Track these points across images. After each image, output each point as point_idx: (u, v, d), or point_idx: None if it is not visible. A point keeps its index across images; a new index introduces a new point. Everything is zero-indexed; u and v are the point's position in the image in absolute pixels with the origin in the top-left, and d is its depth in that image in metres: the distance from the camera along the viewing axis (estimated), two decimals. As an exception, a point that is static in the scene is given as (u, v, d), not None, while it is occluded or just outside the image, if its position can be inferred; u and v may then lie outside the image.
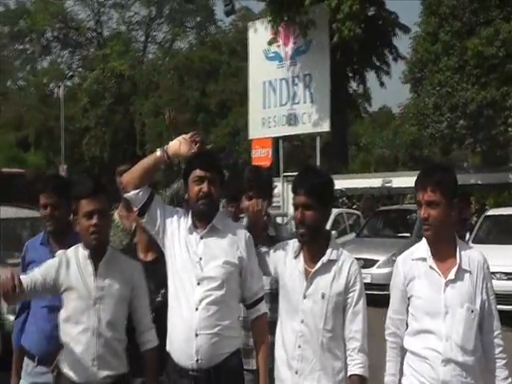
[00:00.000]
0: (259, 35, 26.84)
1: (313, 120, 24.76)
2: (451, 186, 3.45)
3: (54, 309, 4.10)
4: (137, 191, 3.70)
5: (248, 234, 3.79)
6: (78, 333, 3.64)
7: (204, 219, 3.72)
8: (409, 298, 3.52)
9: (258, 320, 3.78)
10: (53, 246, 4.33)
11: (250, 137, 28.08)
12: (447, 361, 3.33)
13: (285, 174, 26.42)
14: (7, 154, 41.19)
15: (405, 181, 21.59)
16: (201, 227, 3.72)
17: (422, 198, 3.39)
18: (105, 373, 3.62)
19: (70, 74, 52.26)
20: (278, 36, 25.70)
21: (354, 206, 23.16)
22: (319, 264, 3.59)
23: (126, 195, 3.76)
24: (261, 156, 26.98)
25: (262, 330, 3.77)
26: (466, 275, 3.40)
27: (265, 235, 4.23)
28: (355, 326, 3.54)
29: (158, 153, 3.71)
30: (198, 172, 3.68)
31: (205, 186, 3.65)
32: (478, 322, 3.41)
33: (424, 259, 3.48)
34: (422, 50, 22.87)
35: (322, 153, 29.62)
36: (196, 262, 3.63)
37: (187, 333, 3.55)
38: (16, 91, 55.07)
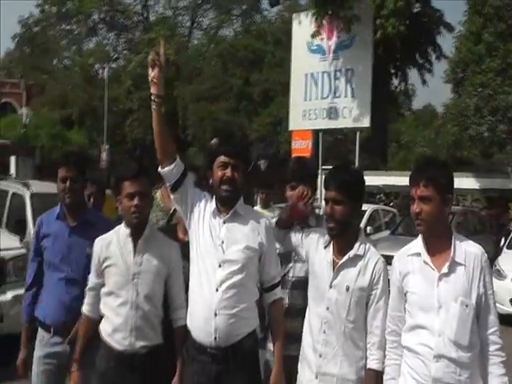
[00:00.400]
0: (303, 27, 26.81)
1: (353, 115, 24.74)
2: (445, 181, 3.42)
3: (72, 281, 4.37)
4: (172, 166, 3.84)
5: (268, 221, 3.97)
6: (117, 305, 3.89)
7: (227, 204, 3.87)
8: (405, 294, 3.53)
9: (274, 304, 3.94)
10: (69, 221, 4.49)
11: (291, 128, 28.18)
12: (439, 357, 3.30)
13: (323, 167, 26.50)
14: (50, 131, 41.75)
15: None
16: (224, 212, 3.88)
17: (415, 192, 3.40)
18: (141, 343, 3.87)
19: (115, 56, 52.70)
20: (322, 29, 25.67)
21: (391, 204, 23.09)
22: (346, 257, 3.74)
23: (161, 171, 3.90)
24: (300, 148, 27.06)
25: (278, 313, 3.95)
26: (461, 268, 3.36)
27: (304, 224, 4.32)
28: (376, 322, 3.68)
29: (152, 106, 3.90)
30: (222, 158, 3.83)
31: (228, 172, 3.79)
32: (475, 317, 3.35)
33: (419, 254, 3.48)
34: (465, 49, 22.70)
35: (363, 148, 29.60)
36: (218, 245, 3.80)
37: (207, 312, 3.72)
38: (62, 70, 55.70)
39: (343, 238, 3.78)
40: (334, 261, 3.79)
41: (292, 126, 27.96)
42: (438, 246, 3.43)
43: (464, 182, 22.63)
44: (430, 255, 3.43)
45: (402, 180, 26.36)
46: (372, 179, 24.68)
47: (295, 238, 4.07)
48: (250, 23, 52.67)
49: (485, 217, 21.22)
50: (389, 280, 3.70)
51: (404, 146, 54.47)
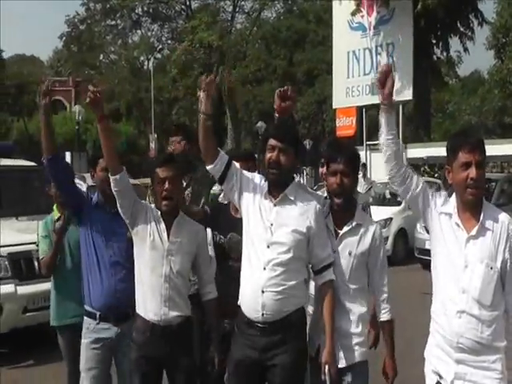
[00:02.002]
0: (343, 6, 27.02)
1: (395, 88, 24.64)
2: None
3: (116, 264, 4.66)
4: (214, 164, 3.96)
5: (319, 205, 4.04)
6: (152, 278, 4.21)
7: (277, 187, 3.95)
8: (430, 233, 3.66)
9: (323, 286, 3.98)
10: (108, 208, 4.69)
11: (334, 106, 28.53)
12: (462, 312, 3.40)
13: (368, 142, 26.71)
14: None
15: (487, 149, 21.38)
16: (275, 195, 3.95)
17: (473, 158, 3.34)
18: (174, 313, 4.20)
19: (160, 46, 53.24)
20: (362, 6, 25.84)
21: (436, 175, 23.12)
22: (349, 227, 3.98)
23: (208, 168, 4.03)
24: (345, 125, 27.40)
25: (328, 295, 3.95)
26: (488, 233, 3.43)
27: None
28: (382, 281, 3.99)
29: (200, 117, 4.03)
30: (270, 141, 3.91)
31: (274, 155, 3.86)
32: (499, 280, 3.41)
33: (450, 215, 3.54)
34: (507, 14, 22.40)
35: (409, 120, 29.63)
36: (268, 227, 3.90)
37: (255, 290, 3.86)
38: (108, 65, 56.72)
39: (347, 208, 4.00)
40: (335, 230, 4.01)
41: (336, 104, 28.30)
42: (470, 210, 3.48)
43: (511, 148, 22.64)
44: (461, 217, 3.49)
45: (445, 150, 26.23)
46: (416, 151, 24.83)
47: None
48: (291, 3, 52.57)
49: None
50: None
51: (449, 116, 53.76)
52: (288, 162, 3.89)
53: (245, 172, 4.12)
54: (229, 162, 4.03)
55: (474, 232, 3.44)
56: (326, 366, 3.84)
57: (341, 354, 3.93)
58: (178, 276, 4.23)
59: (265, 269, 3.85)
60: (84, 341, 4.67)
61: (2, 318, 7.42)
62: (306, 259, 3.99)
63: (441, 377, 3.55)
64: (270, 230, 3.90)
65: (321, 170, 4.69)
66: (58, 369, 4.99)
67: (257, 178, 4.09)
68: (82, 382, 4.67)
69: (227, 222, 4.74)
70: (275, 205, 3.94)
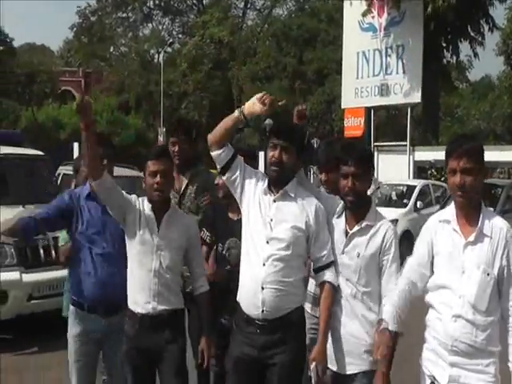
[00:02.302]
0: (354, 6, 27.10)
1: (404, 91, 24.95)
2: (482, 153, 3.48)
3: (108, 256, 4.56)
4: (220, 151, 3.98)
5: (319, 204, 4.00)
6: (141, 273, 4.20)
7: (277, 184, 3.96)
8: (433, 256, 3.63)
9: (320, 285, 4.00)
10: (99, 200, 4.47)
11: (343, 106, 28.59)
12: (457, 316, 3.41)
13: (375, 143, 26.77)
14: (109, 117, 42.68)
15: (495, 155, 21.42)
16: (275, 191, 3.96)
17: (458, 165, 3.38)
18: (163, 307, 4.17)
19: (170, 40, 53.28)
20: (373, 7, 25.87)
21: (442, 179, 23.14)
22: (358, 227, 3.93)
23: (212, 154, 4.02)
24: (353, 125, 27.47)
25: (324, 295, 3.95)
26: (486, 239, 3.43)
27: None
28: (390, 286, 3.83)
29: (236, 113, 3.97)
30: (273, 139, 3.93)
31: (276, 153, 3.88)
32: (495, 287, 3.42)
33: (449, 222, 3.55)
34: (517, 20, 22.42)
35: (418, 123, 29.61)
36: (267, 222, 3.90)
37: (255, 286, 3.85)
38: (118, 57, 56.85)
39: (358, 209, 3.97)
40: (346, 230, 3.98)
41: (344, 104, 28.35)
42: (468, 216, 3.49)
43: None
44: (460, 224, 3.50)
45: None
46: (423, 154, 24.84)
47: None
48: (303, 1, 52.58)
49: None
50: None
51: (458, 120, 53.66)
52: (290, 160, 3.91)
53: (248, 166, 4.14)
54: (235, 153, 4.05)
55: (471, 238, 3.45)
56: (314, 363, 3.84)
57: (347, 360, 3.90)
58: (168, 271, 4.21)
59: (264, 264, 3.85)
60: (71, 332, 4.65)
61: (7, 304, 7.46)
62: (305, 256, 4.02)
63: (435, 380, 3.55)
64: (270, 225, 3.90)
65: (320, 176, 4.70)
66: (62, 356, 5.00)
67: (259, 173, 4.12)
68: (71, 374, 4.65)
69: (225, 225, 4.81)
70: (275, 200, 3.95)
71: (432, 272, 3.63)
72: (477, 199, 3.50)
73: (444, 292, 3.51)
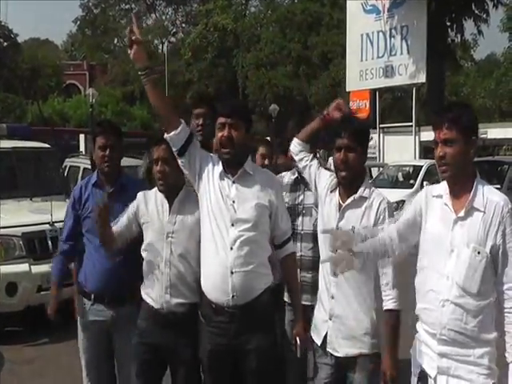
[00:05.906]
0: (357, -12, 26.98)
1: (409, 71, 24.86)
2: (468, 122, 3.19)
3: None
4: (177, 130, 3.78)
5: (277, 178, 4.05)
6: (153, 263, 3.99)
7: (233, 165, 3.81)
8: (420, 230, 3.42)
9: (287, 258, 3.96)
10: (106, 188, 4.48)
11: (348, 89, 28.49)
12: (445, 301, 3.18)
13: (381, 125, 26.73)
14: (114, 108, 42.76)
15: (501, 132, 21.37)
16: (232, 172, 3.81)
17: (438, 136, 3.17)
18: (177, 300, 3.93)
19: (174, 30, 53.31)
20: (376, -12, 25.77)
21: (449, 158, 23.11)
22: (351, 199, 3.75)
23: (166, 136, 3.83)
24: (359, 108, 27.35)
25: (292, 267, 3.99)
26: (478, 214, 3.16)
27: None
28: (386, 262, 3.65)
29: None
30: (219, 119, 3.77)
31: (225, 132, 3.72)
32: (489, 267, 3.14)
33: (440, 196, 3.32)
34: (522, -5, 22.27)
35: (424, 103, 29.51)
36: (230, 204, 3.75)
37: (223, 271, 3.68)
38: (122, 49, 56.79)
39: (351, 184, 3.79)
40: (339, 203, 3.81)
41: (349, 87, 28.28)
42: (460, 190, 3.23)
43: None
44: (452, 198, 3.25)
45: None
46: (429, 134, 24.77)
47: (314, 167, 4.14)
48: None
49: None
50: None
51: (463, 99, 52.70)
52: (240, 137, 3.76)
53: (203, 150, 3.98)
54: (191, 134, 3.89)
55: (461, 213, 3.18)
56: (297, 338, 3.87)
57: (347, 343, 3.75)
58: (181, 260, 3.96)
59: (232, 248, 3.70)
60: (80, 321, 4.61)
61: (17, 296, 7.52)
62: (269, 234, 3.90)
63: (425, 372, 3.33)
64: (233, 207, 3.76)
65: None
66: (71, 347, 5.04)
67: (214, 157, 3.95)
68: (82, 362, 4.63)
69: None
70: (234, 182, 3.81)
71: (415, 238, 3.44)
72: (467, 172, 3.24)
73: (431, 275, 3.28)
